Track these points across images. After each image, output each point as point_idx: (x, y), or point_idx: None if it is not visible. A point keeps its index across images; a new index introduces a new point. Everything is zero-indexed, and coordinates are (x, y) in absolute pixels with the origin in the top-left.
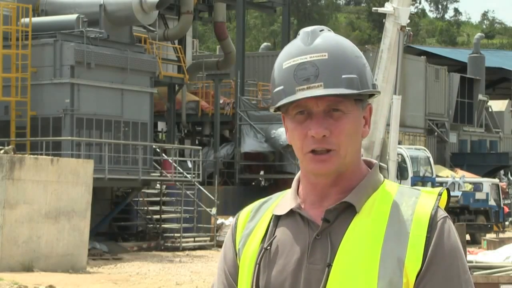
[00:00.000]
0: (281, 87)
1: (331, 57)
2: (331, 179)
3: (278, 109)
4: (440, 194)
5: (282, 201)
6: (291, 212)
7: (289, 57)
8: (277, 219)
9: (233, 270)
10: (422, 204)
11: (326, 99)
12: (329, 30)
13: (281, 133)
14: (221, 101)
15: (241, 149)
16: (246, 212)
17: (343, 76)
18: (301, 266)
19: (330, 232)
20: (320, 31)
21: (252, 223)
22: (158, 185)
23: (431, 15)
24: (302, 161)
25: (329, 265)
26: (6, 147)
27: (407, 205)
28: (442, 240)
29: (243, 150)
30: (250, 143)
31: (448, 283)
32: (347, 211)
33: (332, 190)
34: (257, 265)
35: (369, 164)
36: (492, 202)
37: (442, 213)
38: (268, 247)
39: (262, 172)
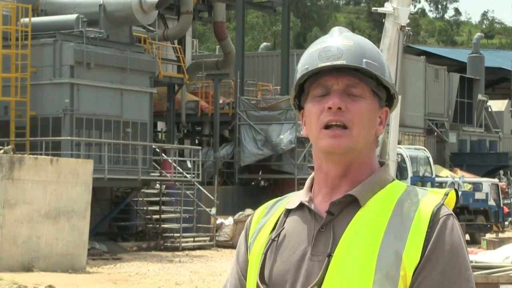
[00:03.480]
0: (305, 66)
1: (356, 45)
2: (341, 168)
3: (298, 105)
4: (446, 194)
5: (295, 197)
6: (301, 206)
7: (316, 44)
8: (287, 213)
9: (243, 265)
10: (426, 202)
11: (346, 79)
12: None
13: (282, 138)
14: (220, 101)
15: (241, 162)
16: (261, 208)
17: (364, 60)
18: (304, 257)
19: (334, 224)
20: (347, 31)
21: (265, 218)
22: (157, 185)
23: (431, 15)
24: (317, 139)
25: (329, 256)
26: (6, 147)
27: (411, 202)
28: (443, 236)
29: (244, 163)
30: (249, 153)
31: (446, 279)
32: (352, 205)
33: (342, 181)
34: (264, 255)
35: (382, 165)
36: (491, 202)
37: (446, 211)
38: (276, 238)
39: (261, 172)
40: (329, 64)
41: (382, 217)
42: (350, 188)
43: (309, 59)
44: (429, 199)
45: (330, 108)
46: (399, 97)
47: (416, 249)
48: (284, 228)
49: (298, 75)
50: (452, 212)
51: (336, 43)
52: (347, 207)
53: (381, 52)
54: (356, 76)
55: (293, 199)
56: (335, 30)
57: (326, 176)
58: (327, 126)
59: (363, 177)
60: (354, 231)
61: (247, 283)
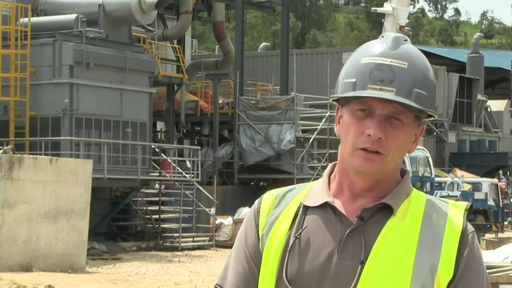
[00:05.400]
0: (353, 79)
1: (410, 68)
2: (369, 183)
3: (337, 99)
4: (467, 209)
5: (312, 193)
6: (322, 205)
7: (369, 54)
8: (306, 209)
9: (254, 255)
10: (453, 216)
11: (392, 106)
12: (409, 42)
13: (283, 138)
14: (220, 101)
15: (244, 163)
16: (271, 198)
17: (415, 90)
18: (330, 259)
19: (363, 230)
20: (404, 40)
21: (277, 210)
22: (157, 185)
23: (430, 15)
24: (349, 156)
25: (362, 263)
26: (5, 147)
27: (438, 214)
28: (473, 253)
29: (247, 164)
30: (251, 154)
31: None
32: (382, 212)
33: (367, 192)
34: (288, 253)
35: (401, 172)
36: (491, 202)
37: (470, 227)
38: (298, 236)
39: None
40: (377, 96)
41: (413, 228)
42: (375, 198)
43: (359, 72)
44: (455, 213)
45: (369, 135)
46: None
47: (450, 264)
48: (306, 226)
49: (343, 85)
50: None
51: (390, 62)
52: (377, 214)
53: (432, 72)
54: (403, 104)
55: (309, 194)
56: (391, 39)
57: (352, 183)
58: (363, 148)
59: (389, 189)
60: (387, 240)
61: (261, 276)
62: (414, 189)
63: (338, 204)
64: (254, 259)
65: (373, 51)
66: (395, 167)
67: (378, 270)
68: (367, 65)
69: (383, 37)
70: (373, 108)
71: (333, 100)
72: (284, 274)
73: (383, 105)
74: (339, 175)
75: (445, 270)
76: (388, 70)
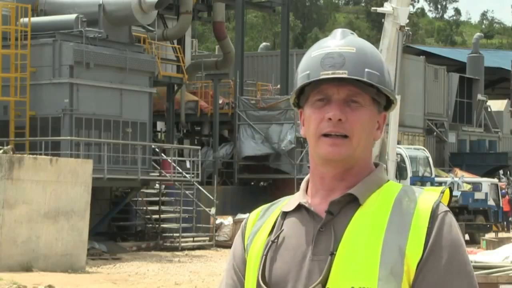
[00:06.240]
0: (307, 72)
1: (358, 52)
2: (339, 171)
3: (298, 104)
4: (442, 192)
5: (291, 200)
6: (298, 208)
7: (319, 48)
8: (284, 215)
9: (241, 266)
10: (424, 199)
11: (347, 88)
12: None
13: (283, 138)
14: (220, 101)
15: (241, 153)
16: (256, 212)
17: (366, 70)
18: (305, 258)
19: (334, 224)
20: (351, 33)
21: (260, 221)
22: (157, 185)
23: (430, 14)
24: (315, 147)
25: (332, 254)
26: (5, 147)
27: (409, 200)
28: (443, 232)
29: (243, 155)
30: (248, 147)
31: (448, 274)
32: (351, 204)
33: (339, 184)
34: (264, 257)
35: (377, 166)
36: (491, 202)
37: (443, 208)
38: (275, 240)
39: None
40: (331, 76)
41: (382, 215)
42: (346, 190)
43: (311, 64)
44: (426, 197)
45: (330, 119)
46: (399, 97)
47: (418, 244)
48: (283, 230)
49: (299, 80)
50: (449, 210)
51: (339, 49)
52: (346, 206)
53: (382, 58)
54: (357, 85)
55: (289, 202)
56: (338, 33)
57: (322, 179)
58: (327, 134)
59: (360, 180)
60: (356, 229)
61: (246, 284)
62: (391, 181)
63: (312, 203)
64: (242, 270)
65: (322, 45)
66: (363, 153)
67: (347, 259)
68: (317, 56)
69: (330, 33)
70: (330, 95)
71: (294, 106)
72: (260, 277)
73: (338, 89)
74: (311, 176)
75: (413, 251)
76: (338, 56)
